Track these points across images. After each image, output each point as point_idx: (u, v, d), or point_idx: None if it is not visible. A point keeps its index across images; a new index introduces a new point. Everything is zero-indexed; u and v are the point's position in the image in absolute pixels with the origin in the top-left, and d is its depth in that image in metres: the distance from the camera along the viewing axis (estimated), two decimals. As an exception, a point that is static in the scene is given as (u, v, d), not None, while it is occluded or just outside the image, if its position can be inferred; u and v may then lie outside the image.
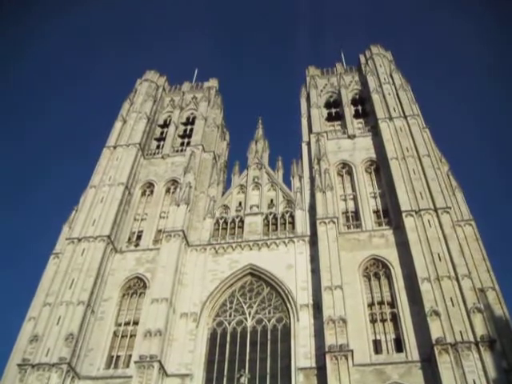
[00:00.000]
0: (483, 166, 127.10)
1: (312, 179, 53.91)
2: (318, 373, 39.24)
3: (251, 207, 54.12)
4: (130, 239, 53.27)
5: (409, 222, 46.08)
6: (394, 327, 42.10)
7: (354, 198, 53.11)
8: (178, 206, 52.49)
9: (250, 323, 44.89)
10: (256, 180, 56.99)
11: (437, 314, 39.00)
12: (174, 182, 57.84)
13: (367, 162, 56.14)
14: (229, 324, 45.19)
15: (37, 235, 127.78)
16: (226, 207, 54.96)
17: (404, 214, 46.73)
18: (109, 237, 50.20)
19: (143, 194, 58.43)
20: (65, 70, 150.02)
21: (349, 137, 59.13)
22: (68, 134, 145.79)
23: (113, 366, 43.35)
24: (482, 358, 35.80)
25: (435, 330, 38.16)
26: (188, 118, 68.58)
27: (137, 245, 52.50)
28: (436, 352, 36.82)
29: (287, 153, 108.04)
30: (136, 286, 48.60)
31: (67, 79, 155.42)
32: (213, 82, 73.67)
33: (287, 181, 56.65)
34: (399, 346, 40.64)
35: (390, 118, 57.60)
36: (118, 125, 64.43)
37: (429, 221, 45.61)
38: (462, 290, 39.94)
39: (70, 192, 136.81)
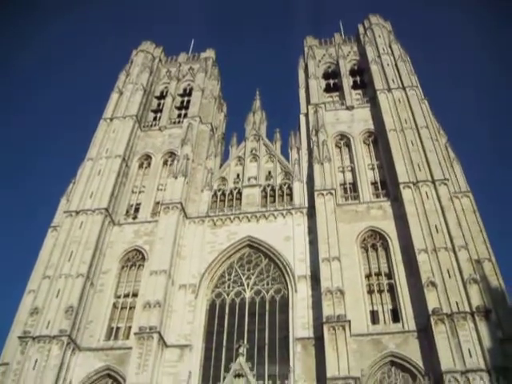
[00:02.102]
0: (481, 137, 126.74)
1: (310, 151, 53.77)
2: (316, 343, 39.65)
3: (249, 179, 54.01)
4: (127, 212, 53.26)
5: (406, 194, 46.13)
6: (391, 298, 42.44)
7: (352, 170, 53.03)
8: (176, 178, 52.39)
9: (248, 294, 45.19)
10: (254, 152, 56.76)
11: (433, 284, 39.33)
12: (172, 154, 57.57)
13: (365, 134, 55.86)
14: (227, 295, 45.49)
15: (35, 208, 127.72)
16: (223, 179, 54.88)
17: (402, 186, 46.73)
18: (107, 209, 50.18)
19: (140, 166, 58.18)
20: (60, 41, 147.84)
21: (347, 108, 58.72)
22: (65, 107, 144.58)
23: (113, 337, 43.73)
24: (477, 328, 36.27)
25: (432, 300, 38.54)
26: (185, 90, 67.88)
27: (135, 217, 52.53)
28: (432, 322, 37.23)
29: (285, 124, 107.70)
30: (135, 259, 48.77)
31: (63, 51, 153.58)
32: (209, 53, 72.66)
33: (285, 152, 56.54)
34: (396, 316, 41.07)
35: (389, 89, 57.11)
36: (114, 96, 63.82)
37: (426, 193, 45.67)
38: (459, 261, 40.24)
39: (67, 165, 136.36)
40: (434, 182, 46.35)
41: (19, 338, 41.43)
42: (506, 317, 39.34)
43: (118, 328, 44.47)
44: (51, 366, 39.46)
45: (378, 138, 54.57)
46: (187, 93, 67.15)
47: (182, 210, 49.95)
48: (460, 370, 34.50)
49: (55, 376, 39.00)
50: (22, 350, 40.52)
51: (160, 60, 72.01)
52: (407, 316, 40.21)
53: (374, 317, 41.60)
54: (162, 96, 67.41)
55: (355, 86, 62.72)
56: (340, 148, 55.45)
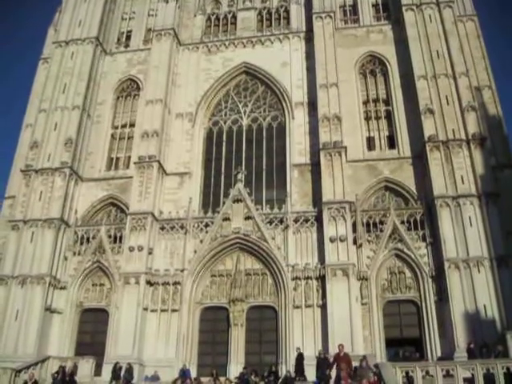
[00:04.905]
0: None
1: (308, -31, 50.18)
2: (312, 169, 40.49)
3: (244, 1, 50.92)
4: (119, 40, 51.03)
5: (409, 17, 43.84)
6: (388, 124, 42.62)
7: (352, -10, 49.90)
8: (167, 2, 49.40)
9: (245, 122, 45.24)
10: (248, -32, 53.02)
11: (431, 111, 39.11)
12: (161, -25, 53.71)
13: (368, -51, 51.52)
14: (224, 123, 45.54)
15: (23, 41, 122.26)
16: (217, 2, 51.78)
17: (404, 8, 44.26)
18: (97, 38, 48.10)
19: (129, -10, 54.57)
20: None
21: None
22: None
23: (113, 167, 44.66)
24: (471, 156, 36.76)
25: (428, 127, 38.58)
26: None
27: (127, 45, 50.45)
28: (427, 149, 37.63)
29: None
30: (129, 89, 48.01)
31: None
32: None
33: (281, -29, 52.69)
34: (392, 142, 41.53)
35: None
36: None
37: (430, 15, 43.30)
38: (458, 88, 39.55)
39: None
40: (438, 4, 43.73)
41: (22, 171, 42.30)
42: (500, 144, 39.93)
43: (117, 158, 45.22)
44: (56, 197, 40.75)
45: (382, -46, 50.49)
46: None
47: (175, 37, 48.03)
48: (451, 196, 35.61)
49: (61, 206, 40.42)
50: (26, 183, 41.59)
51: None
52: (403, 142, 40.66)
53: (370, 143, 42.04)
54: None
55: None
56: (340, -35, 51.66)
